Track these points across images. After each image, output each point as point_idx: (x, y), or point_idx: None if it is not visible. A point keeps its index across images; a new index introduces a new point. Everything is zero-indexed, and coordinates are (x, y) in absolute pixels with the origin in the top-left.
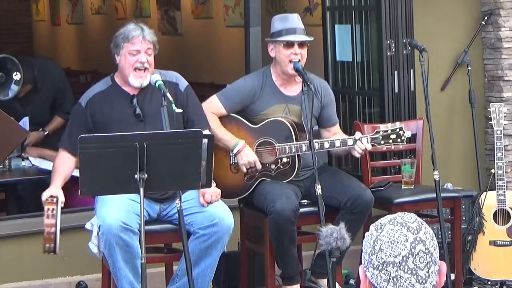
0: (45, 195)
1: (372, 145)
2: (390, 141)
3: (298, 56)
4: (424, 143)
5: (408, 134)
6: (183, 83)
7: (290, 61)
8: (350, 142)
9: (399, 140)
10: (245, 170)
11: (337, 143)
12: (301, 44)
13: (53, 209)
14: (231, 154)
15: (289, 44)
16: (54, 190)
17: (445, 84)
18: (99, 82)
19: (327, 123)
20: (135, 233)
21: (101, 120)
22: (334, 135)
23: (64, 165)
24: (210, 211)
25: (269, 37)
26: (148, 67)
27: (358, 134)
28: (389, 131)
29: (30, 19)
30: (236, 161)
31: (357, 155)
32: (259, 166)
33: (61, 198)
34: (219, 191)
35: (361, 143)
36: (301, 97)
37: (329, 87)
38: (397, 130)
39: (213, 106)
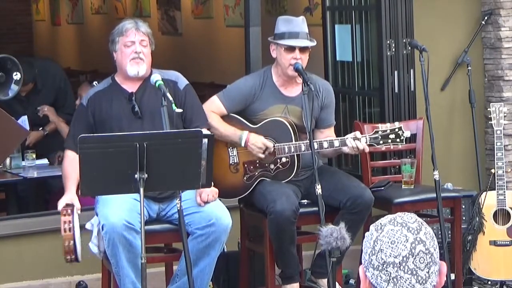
0: (60, 205)
1: (371, 145)
2: (389, 141)
3: (298, 60)
4: (424, 143)
5: (407, 134)
6: (182, 82)
7: (291, 64)
8: (349, 142)
9: (398, 140)
10: (262, 156)
11: (336, 143)
12: (303, 49)
13: (69, 222)
14: (231, 154)
15: (290, 48)
16: (69, 198)
17: (445, 84)
18: (101, 82)
19: (322, 124)
20: (138, 232)
21: (101, 117)
22: (326, 138)
23: (72, 166)
24: (207, 211)
25: (271, 36)
26: (144, 58)
27: (357, 134)
28: (388, 131)
29: (30, 19)
30: (236, 170)
31: (349, 151)
32: (270, 145)
33: (77, 205)
34: (216, 190)
35: (359, 142)
36: (301, 98)
37: (331, 90)
38: (396, 130)
39: (213, 106)
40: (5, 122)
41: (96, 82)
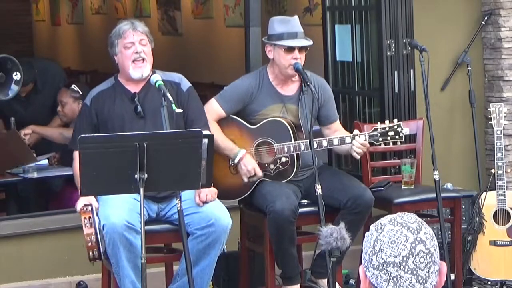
0: (79, 205)
1: (371, 142)
2: (388, 138)
3: (297, 60)
4: (424, 143)
5: (406, 131)
6: (185, 84)
7: (290, 64)
8: (348, 140)
9: (397, 136)
10: (246, 180)
11: (335, 141)
12: (301, 48)
13: (90, 218)
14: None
15: (290, 49)
16: (87, 198)
17: (445, 84)
18: (104, 82)
19: (327, 120)
20: (138, 232)
21: (104, 116)
22: (335, 132)
23: None
24: (206, 211)
25: (266, 37)
26: (145, 57)
27: (356, 132)
28: (387, 128)
29: (30, 19)
30: (236, 171)
31: (357, 156)
32: (259, 173)
33: (95, 204)
34: (215, 190)
35: (359, 138)
36: (299, 97)
37: (327, 84)
38: (395, 127)
39: (212, 109)
40: (18, 145)
41: (75, 86)
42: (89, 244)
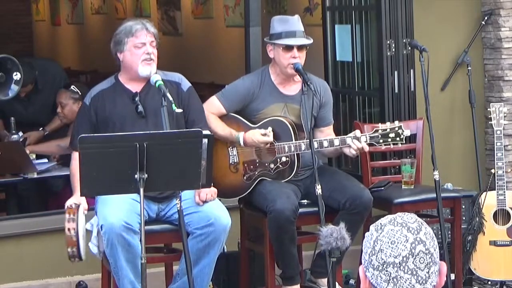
0: (68, 203)
1: (371, 144)
2: (389, 139)
3: (296, 59)
4: (424, 143)
5: (407, 133)
6: (186, 84)
7: (290, 63)
8: (349, 140)
9: (398, 138)
10: (268, 145)
11: (336, 142)
12: (300, 47)
13: (74, 214)
14: (230, 154)
15: (288, 47)
16: (77, 198)
17: (445, 84)
18: (103, 81)
19: (322, 122)
20: (136, 233)
21: (104, 116)
22: (327, 137)
23: None
24: (206, 211)
25: (268, 37)
26: (154, 58)
27: (357, 132)
28: (388, 130)
29: (30, 19)
30: (236, 170)
31: (351, 154)
32: (269, 139)
33: (84, 205)
34: (215, 190)
35: (359, 142)
36: (300, 97)
37: (328, 87)
38: (396, 128)
39: (212, 106)
40: (20, 155)
41: (74, 86)
42: (68, 238)
